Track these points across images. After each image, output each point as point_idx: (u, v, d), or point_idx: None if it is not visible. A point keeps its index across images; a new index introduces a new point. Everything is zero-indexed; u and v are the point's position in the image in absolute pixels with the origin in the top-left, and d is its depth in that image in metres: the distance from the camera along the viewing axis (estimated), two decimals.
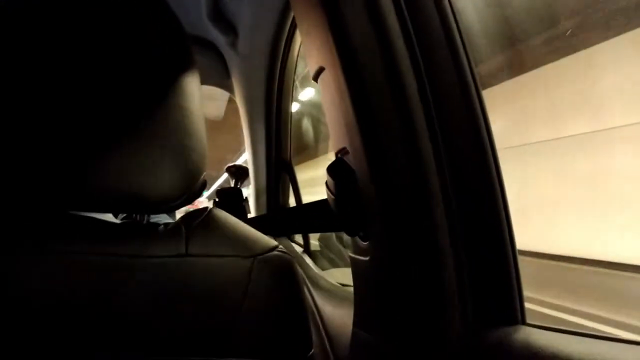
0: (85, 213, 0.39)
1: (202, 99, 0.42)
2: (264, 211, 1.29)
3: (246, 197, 1.22)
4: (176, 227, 0.38)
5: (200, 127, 0.39)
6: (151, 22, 0.36)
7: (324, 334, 0.80)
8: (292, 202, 1.30)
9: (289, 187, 1.27)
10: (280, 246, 0.40)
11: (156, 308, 0.32)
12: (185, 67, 0.38)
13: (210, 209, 0.41)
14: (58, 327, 0.29)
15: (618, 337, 0.38)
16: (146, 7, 0.36)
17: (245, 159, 1.36)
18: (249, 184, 1.35)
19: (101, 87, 0.33)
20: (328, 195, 0.58)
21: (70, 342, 0.30)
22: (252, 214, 1.32)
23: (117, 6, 0.35)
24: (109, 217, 0.46)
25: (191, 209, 0.43)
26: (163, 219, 1.27)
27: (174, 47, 0.38)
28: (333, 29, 0.50)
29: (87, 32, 0.33)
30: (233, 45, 1.13)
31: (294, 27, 1.03)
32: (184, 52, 0.39)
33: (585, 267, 4.01)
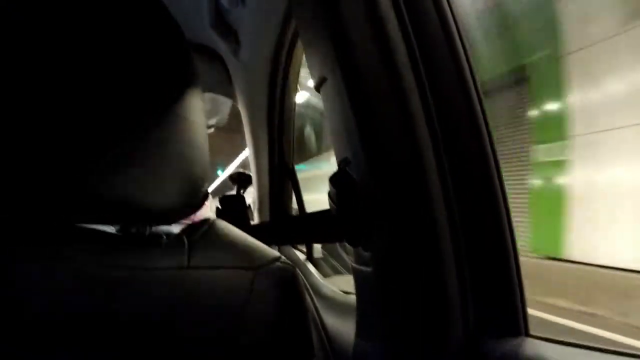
0: (85, 224, 0.39)
1: (204, 109, 0.41)
2: (266, 218, 1.29)
3: (249, 204, 1.22)
4: (178, 238, 0.37)
5: (202, 138, 0.39)
6: (152, 31, 0.36)
7: (326, 342, 0.80)
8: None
9: (292, 194, 1.26)
10: (283, 257, 0.39)
11: (157, 320, 0.32)
12: (186, 77, 0.38)
13: (213, 220, 0.41)
14: (56, 337, 0.29)
15: (628, 351, 0.37)
16: (148, 15, 0.36)
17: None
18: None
19: (101, 96, 0.32)
20: (330, 205, 0.58)
21: (67, 352, 0.30)
22: (254, 220, 1.32)
23: (118, 14, 0.34)
24: (109, 228, 0.45)
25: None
26: (165, 230, 1.25)
27: (176, 56, 0.38)
28: (335, 39, 0.49)
29: (88, 40, 0.32)
30: (235, 52, 1.13)
31: (296, 34, 1.03)
32: (186, 62, 0.39)
33: None
